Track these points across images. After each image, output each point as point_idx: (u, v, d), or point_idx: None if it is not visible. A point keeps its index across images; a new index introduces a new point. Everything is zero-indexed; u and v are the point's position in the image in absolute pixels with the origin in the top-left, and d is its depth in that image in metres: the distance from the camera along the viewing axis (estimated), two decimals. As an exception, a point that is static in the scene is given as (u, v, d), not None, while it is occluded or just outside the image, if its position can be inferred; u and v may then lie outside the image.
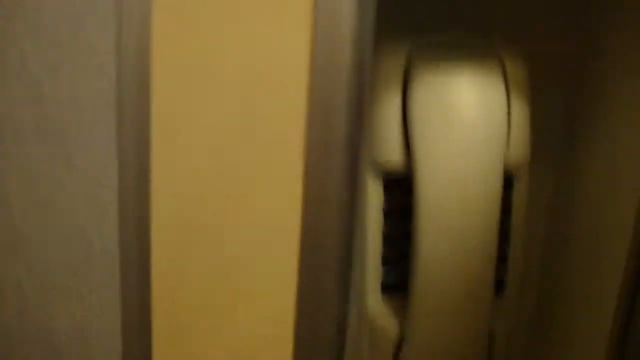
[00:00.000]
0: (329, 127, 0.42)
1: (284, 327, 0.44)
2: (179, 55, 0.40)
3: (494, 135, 0.51)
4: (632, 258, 0.51)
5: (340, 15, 0.41)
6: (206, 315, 0.44)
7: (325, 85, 0.42)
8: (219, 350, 0.44)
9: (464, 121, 0.50)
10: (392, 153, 0.53)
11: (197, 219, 0.42)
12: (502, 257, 0.57)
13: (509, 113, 0.53)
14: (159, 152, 0.41)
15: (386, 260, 0.56)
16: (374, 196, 0.55)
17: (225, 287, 0.43)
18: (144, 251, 0.42)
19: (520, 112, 0.54)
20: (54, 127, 0.40)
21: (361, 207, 0.53)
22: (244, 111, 0.41)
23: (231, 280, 0.43)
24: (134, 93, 0.40)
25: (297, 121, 0.42)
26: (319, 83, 0.42)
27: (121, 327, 0.43)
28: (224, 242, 0.42)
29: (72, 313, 0.43)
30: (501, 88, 0.52)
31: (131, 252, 0.42)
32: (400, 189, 0.54)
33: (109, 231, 0.42)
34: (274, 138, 0.42)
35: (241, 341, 0.45)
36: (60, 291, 0.42)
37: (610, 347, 0.54)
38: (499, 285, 0.58)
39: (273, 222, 0.43)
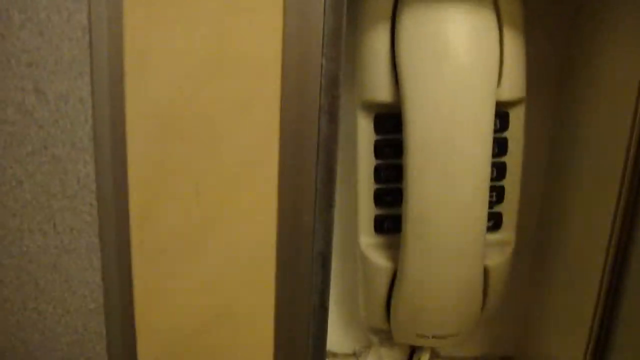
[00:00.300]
0: (306, 57, 0.42)
1: (265, 259, 0.44)
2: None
3: (485, 69, 0.50)
4: (625, 189, 0.50)
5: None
6: (183, 240, 0.43)
7: (300, 11, 0.41)
8: (197, 274, 0.44)
9: (454, 56, 0.49)
10: (382, 89, 0.52)
11: (172, 151, 0.42)
12: (498, 192, 0.56)
13: (501, 49, 0.52)
14: (132, 80, 0.40)
15: (379, 197, 0.55)
16: (364, 133, 0.54)
17: (201, 215, 0.43)
18: (120, 182, 0.42)
19: (514, 47, 0.53)
20: (25, 59, 0.39)
21: (352, 145, 0.53)
22: (217, 37, 0.40)
23: (208, 210, 0.43)
24: (106, 20, 0.40)
25: (273, 52, 0.41)
26: (293, 9, 0.41)
27: (100, 246, 0.43)
28: (199, 171, 0.42)
29: (46, 238, 0.43)
30: (493, 24, 0.51)
31: (107, 184, 0.42)
32: (392, 124, 0.53)
33: (85, 159, 0.42)
34: (249, 71, 0.41)
35: (219, 269, 0.44)
36: (33, 216, 0.43)
37: (606, 280, 0.53)
38: (497, 219, 0.58)
39: (250, 156, 0.43)
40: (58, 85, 0.40)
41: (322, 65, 0.40)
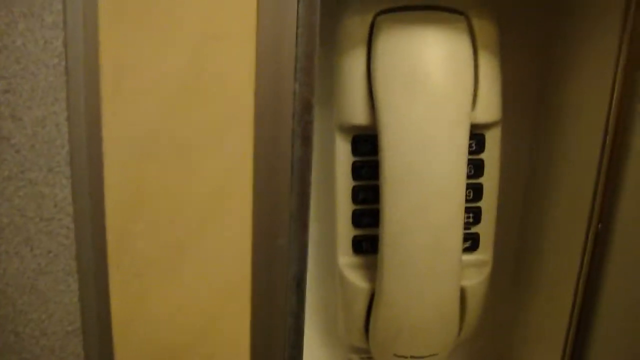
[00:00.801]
0: (279, 83, 0.42)
1: (240, 281, 0.45)
2: (126, 6, 0.40)
3: (459, 93, 0.50)
4: (596, 209, 0.50)
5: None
6: (159, 263, 0.44)
7: (273, 38, 0.42)
8: (173, 297, 0.44)
9: (428, 80, 0.49)
10: (358, 112, 0.52)
11: (148, 175, 0.42)
12: (475, 213, 0.57)
13: (476, 73, 0.52)
14: (108, 103, 0.41)
15: (357, 218, 0.56)
16: (342, 155, 0.54)
17: (177, 238, 0.43)
18: (97, 205, 0.42)
19: (489, 71, 0.53)
20: (1, 86, 0.40)
21: (330, 166, 0.53)
22: (192, 63, 0.41)
23: (183, 234, 0.43)
24: (82, 47, 0.40)
25: (247, 72, 0.41)
26: (266, 35, 0.41)
27: (77, 268, 0.43)
28: (175, 194, 0.42)
29: (23, 261, 0.43)
30: (468, 48, 0.51)
31: (84, 207, 0.42)
32: (369, 146, 0.53)
33: (62, 183, 0.42)
34: (223, 96, 0.42)
35: (195, 292, 0.45)
36: (11, 239, 0.43)
37: (579, 297, 0.53)
38: (474, 240, 0.58)
39: (224, 179, 0.43)
40: (35, 111, 0.40)
41: (295, 91, 0.41)
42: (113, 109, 0.40)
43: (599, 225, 0.51)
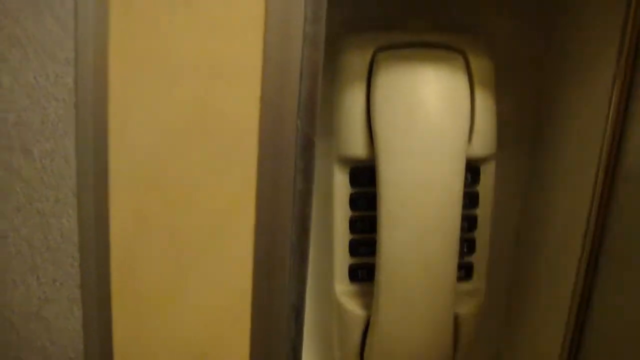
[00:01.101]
0: (282, 120, 0.43)
1: (240, 311, 0.45)
2: (135, 45, 0.41)
3: (456, 128, 0.51)
4: (587, 243, 0.51)
5: (291, 9, 0.42)
6: (161, 291, 0.44)
7: (277, 76, 0.42)
8: (175, 324, 0.45)
9: (426, 115, 0.50)
10: (357, 145, 0.53)
11: (152, 207, 0.43)
12: (469, 243, 0.57)
13: (473, 108, 0.53)
14: (115, 139, 0.41)
15: (354, 247, 0.56)
16: (341, 186, 0.55)
17: (180, 268, 0.44)
18: (102, 235, 0.43)
19: (485, 106, 0.54)
20: (12, 119, 0.40)
21: (328, 197, 0.54)
22: (198, 100, 0.41)
23: (186, 264, 0.44)
24: (91, 82, 0.41)
25: (251, 109, 0.42)
26: (271, 74, 0.42)
27: (81, 296, 0.43)
28: (179, 225, 0.43)
29: (29, 289, 0.44)
30: (464, 84, 0.52)
31: (89, 237, 0.43)
32: (367, 177, 0.54)
33: (68, 214, 0.43)
34: (227, 126, 0.42)
35: (196, 320, 0.45)
36: (17, 268, 0.43)
37: (569, 333, 0.54)
38: (468, 269, 0.59)
39: (227, 212, 0.44)
40: (44, 144, 0.41)
41: (297, 128, 0.41)
42: (119, 143, 0.41)
43: (591, 255, 0.52)
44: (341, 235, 0.56)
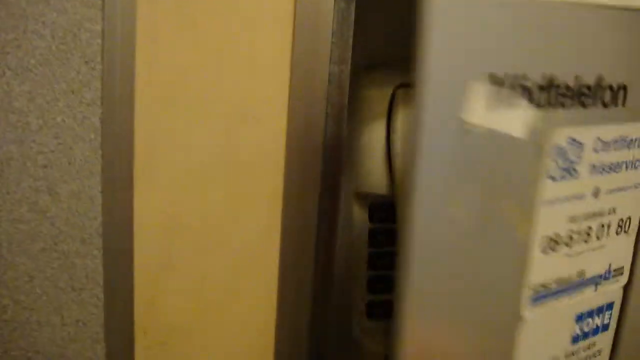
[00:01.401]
0: (308, 162, 0.43)
1: (263, 352, 0.45)
2: (160, 83, 0.41)
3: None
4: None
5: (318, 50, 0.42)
6: (184, 332, 0.44)
7: (303, 115, 0.42)
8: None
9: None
10: (377, 181, 0.53)
11: (177, 247, 0.42)
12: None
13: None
14: (140, 179, 0.41)
15: (372, 284, 0.56)
16: (359, 221, 0.55)
17: (203, 307, 0.43)
18: (126, 276, 0.42)
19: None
20: (40, 161, 0.40)
21: (347, 233, 0.53)
22: (223, 138, 0.41)
23: (209, 302, 0.43)
24: (117, 122, 0.41)
25: (277, 147, 0.42)
26: (297, 116, 0.42)
27: (104, 336, 0.43)
28: (203, 265, 0.43)
29: (54, 330, 0.43)
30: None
31: (114, 277, 0.43)
32: (386, 213, 0.53)
33: (93, 254, 0.43)
34: (253, 164, 0.42)
35: (220, 358, 0.45)
36: (42, 309, 0.43)
37: None
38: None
39: (252, 252, 0.43)
40: (70, 185, 0.40)
41: (322, 171, 0.41)
42: (144, 183, 0.41)
43: None
44: (359, 272, 0.56)
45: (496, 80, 0.39)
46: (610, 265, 0.49)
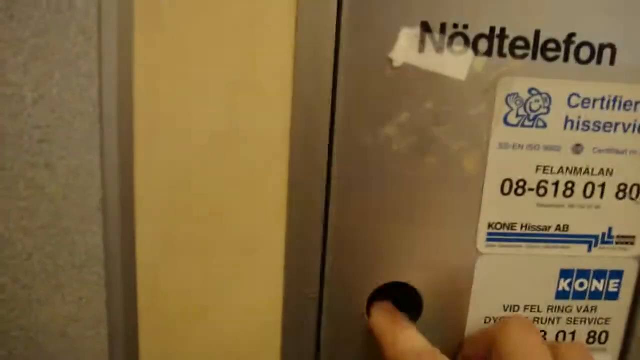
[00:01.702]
0: (313, 131, 0.42)
1: (270, 332, 0.44)
2: (161, 56, 0.39)
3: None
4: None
5: (321, 25, 0.41)
6: (190, 311, 0.43)
7: (308, 89, 0.41)
8: (206, 345, 0.44)
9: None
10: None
11: (180, 224, 0.41)
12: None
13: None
14: (141, 152, 0.40)
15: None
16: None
17: (208, 285, 0.42)
18: (128, 252, 0.41)
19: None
20: (37, 135, 0.39)
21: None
22: (226, 113, 0.40)
23: (214, 281, 0.43)
24: (116, 95, 0.39)
25: (282, 122, 0.41)
26: (302, 86, 0.41)
27: (107, 315, 0.42)
28: (207, 242, 0.42)
29: (55, 308, 0.42)
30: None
31: (115, 253, 0.41)
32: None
33: (93, 230, 0.41)
34: (257, 139, 0.41)
35: (226, 338, 0.44)
36: (42, 287, 0.42)
37: None
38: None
39: (257, 232, 0.42)
40: (69, 160, 0.39)
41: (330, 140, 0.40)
42: (146, 158, 0.40)
43: None
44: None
45: (430, 28, 0.43)
46: (610, 229, 0.48)
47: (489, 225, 0.47)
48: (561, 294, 0.50)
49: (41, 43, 0.38)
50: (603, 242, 0.49)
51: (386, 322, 0.45)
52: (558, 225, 0.48)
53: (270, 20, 0.39)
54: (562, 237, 0.49)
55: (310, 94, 0.41)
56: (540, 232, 0.48)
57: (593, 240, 0.49)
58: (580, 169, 0.47)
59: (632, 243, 0.49)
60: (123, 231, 0.41)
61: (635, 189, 0.48)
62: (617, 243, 0.49)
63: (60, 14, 0.38)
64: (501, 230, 0.47)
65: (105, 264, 0.41)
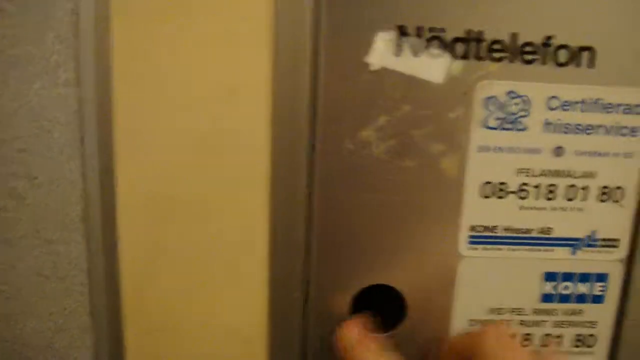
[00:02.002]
0: (295, 133, 0.42)
1: (256, 340, 0.44)
2: (140, 62, 0.39)
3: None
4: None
5: (299, 29, 0.41)
6: (175, 317, 0.42)
7: (288, 93, 0.41)
8: (190, 355, 0.43)
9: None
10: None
11: (163, 230, 0.41)
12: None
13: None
14: (123, 160, 0.40)
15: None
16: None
17: (193, 289, 0.42)
18: (111, 261, 0.41)
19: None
20: (17, 145, 0.39)
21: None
22: (208, 119, 0.40)
23: (199, 284, 0.42)
24: (95, 103, 0.39)
25: (262, 126, 0.41)
26: (281, 90, 0.41)
27: (92, 324, 0.41)
28: (191, 246, 0.41)
29: (39, 320, 0.42)
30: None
31: (98, 262, 0.41)
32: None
33: (77, 240, 0.41)
34: (239, 145, 0.41)
35: (211, 340, 0.44)
36: (26, 299, 0.41)
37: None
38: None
39: (241, 235, 0.42)
40: (49, 170, 0.39)
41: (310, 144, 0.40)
42: (127, 166, 0.39)
43: None
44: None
45: (406, 32, 0.43)
46: (593, 232, 0.48)
47: (471, 228, 0.47)
48: (547, 298, 0.49)
49: (19, 53, 0.38)
50: (587, 245, 0.49)
51: (352, 338, 0.44)
52: (541, 228, 0.48)
53: (249, 26, 0.40)
54: (546, 240, 0.48)
55: (291, 99, 0.41)
56: (523, 235, 0.48)
57: (577, 243, 0.49)
58: (562, 171, 0.47)
59: (616, 246, 0.49)
60: (105, 240, 0.40)
61: (618, 191, 0.48)
62: (601, 246, 0.49)
63: (39, 23, 0.37)
64: (483, 233, 0.47)
65: (89, 274, 0.41)
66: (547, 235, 0.48)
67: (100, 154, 0.40)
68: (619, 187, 0.48)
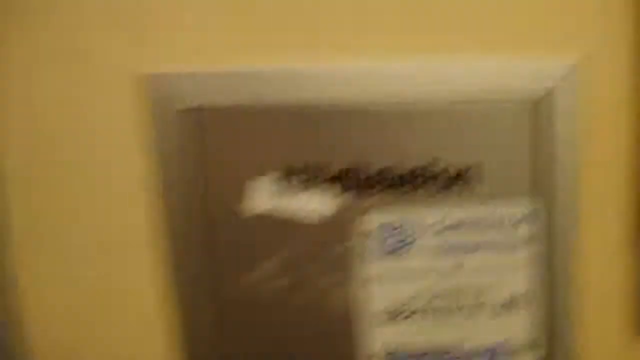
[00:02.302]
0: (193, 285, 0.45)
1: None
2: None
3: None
4: None
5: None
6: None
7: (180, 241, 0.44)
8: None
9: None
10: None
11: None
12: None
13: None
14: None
15: None
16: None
17: None
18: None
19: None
20: None
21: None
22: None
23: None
24: None
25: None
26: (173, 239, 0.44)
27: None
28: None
29: None
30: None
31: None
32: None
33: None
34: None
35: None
36: None
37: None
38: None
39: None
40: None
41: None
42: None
43: None
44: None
45: (289, 172, 0.44)
46: (506, 339, 0.48)
47: (386, 353, 0.47)
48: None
49: None
50: (507, 354, 0.49)
51: None
52: (454, 343, 0.48)
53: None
54: (462, 353, 0.48)
55: (183, 248, 0.43)
56: (438, 351, 0.48)
57: (494, 352, 0.49)
58: (455, 289, 0.47)
59: (533, 348, 0.49)
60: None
61: (521, 298, 0.48)
62: (521, 350, 0.49)
63: None
64: (399, 354, 0.47)
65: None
66: (461, 349, 0.48)
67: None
68: (521, 294, 0.48)
